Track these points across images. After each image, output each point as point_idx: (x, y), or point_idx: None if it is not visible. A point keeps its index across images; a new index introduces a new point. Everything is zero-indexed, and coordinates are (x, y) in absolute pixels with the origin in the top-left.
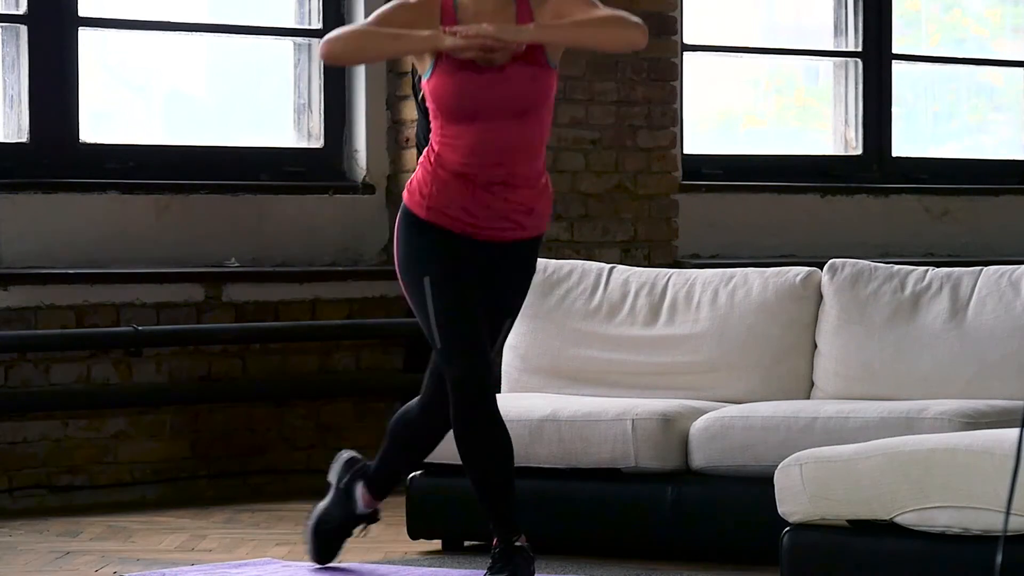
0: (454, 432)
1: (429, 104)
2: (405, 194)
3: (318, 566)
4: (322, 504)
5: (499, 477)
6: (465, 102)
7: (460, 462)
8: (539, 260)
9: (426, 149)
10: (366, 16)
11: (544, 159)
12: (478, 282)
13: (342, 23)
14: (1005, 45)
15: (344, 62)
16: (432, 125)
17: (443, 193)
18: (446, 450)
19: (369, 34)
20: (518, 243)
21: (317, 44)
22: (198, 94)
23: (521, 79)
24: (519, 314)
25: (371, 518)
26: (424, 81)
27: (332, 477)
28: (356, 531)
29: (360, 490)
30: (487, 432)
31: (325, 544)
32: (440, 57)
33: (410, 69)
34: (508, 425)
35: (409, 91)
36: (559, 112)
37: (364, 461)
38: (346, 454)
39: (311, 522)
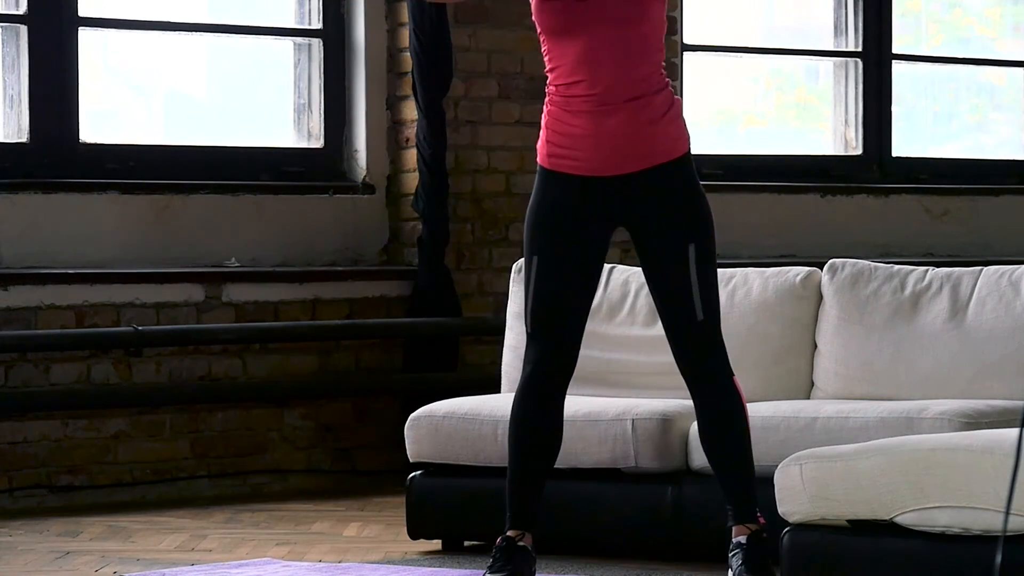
0: (512, 412)
1: (537, 29)
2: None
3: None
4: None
5: (537, 471)
6: (563, 12)
7: (459, 463)
8: None
9: (546, 99)
10: (366, 16)
11: (662, 74)
12: (627, 227)
13: (342, 23)
14: (1006, 45)
15: None
16: (544, 56)
17: (559, 127)
18: (446, 450)
19: None
20: (653, 171)
21: (317, 44)
22: (198, 94)
23: None
24: (689, 248)
25: (759, 530)
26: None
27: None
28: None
29: (735, 532)
30: (539, 425)
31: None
32: None
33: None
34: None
35: (409, 91)
36: None
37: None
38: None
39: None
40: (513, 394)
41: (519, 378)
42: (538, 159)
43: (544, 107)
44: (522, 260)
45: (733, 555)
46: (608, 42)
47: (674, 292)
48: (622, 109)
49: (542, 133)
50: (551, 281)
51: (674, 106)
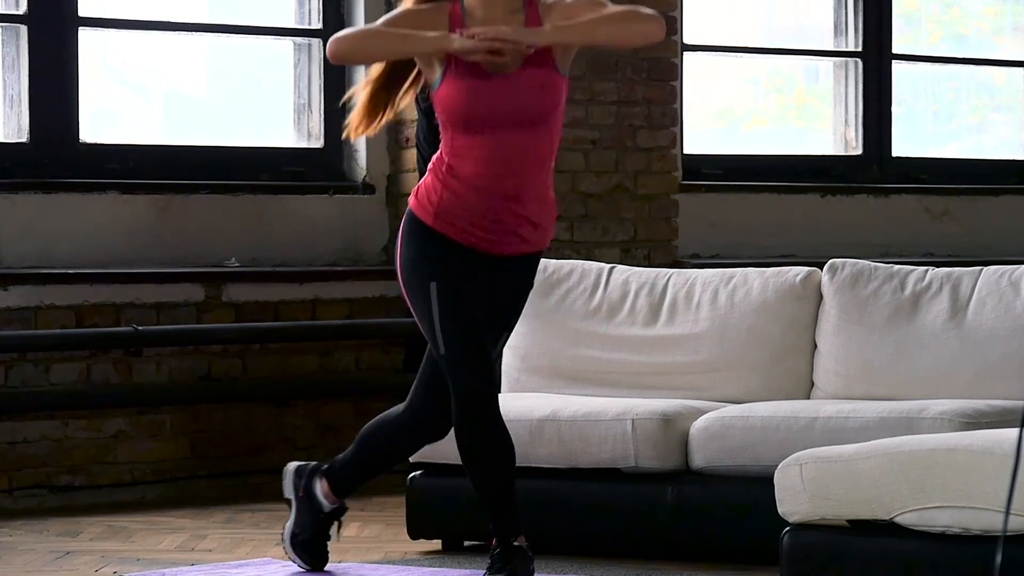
0: (457, 438)
1: (439, 115)
2: (412, 200)
3: (316, 572)
4: (289, 521)
5: (502, 481)
6: (476, 111)
7: (460, 462)
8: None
9: (435, 157)
10: (366, 16)
11: (552, 172)
12: (481, 293)
13: (342, 23)
14: (1005, 44)
15: (351, 61)
16: (443, 137)
17: (453, 204)
18: (446, 450)
19: (377, 34)
20: (521, 257)
21: (317, 44)
22: (198, 94)
23: (531, 87)
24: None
25: (339, 512)
26: (433, 92)
27: (288, 492)
28: (333, 531)
29: (321, 487)
30: (491, 438)
31: (309, 553)
32: (449, 65)
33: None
34: (508, 425)
35: None
36: None
37: (312, 463)
38: (292, 466)
39: (286, 542)
40: (514, 394)
41: (453, 403)
42: (415, 211)
43: (436, 175)
44: None
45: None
46: (515, 140)
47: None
48: (519, 202)
49: (426, 192)
50: (456, 303)
51: (553, 204)
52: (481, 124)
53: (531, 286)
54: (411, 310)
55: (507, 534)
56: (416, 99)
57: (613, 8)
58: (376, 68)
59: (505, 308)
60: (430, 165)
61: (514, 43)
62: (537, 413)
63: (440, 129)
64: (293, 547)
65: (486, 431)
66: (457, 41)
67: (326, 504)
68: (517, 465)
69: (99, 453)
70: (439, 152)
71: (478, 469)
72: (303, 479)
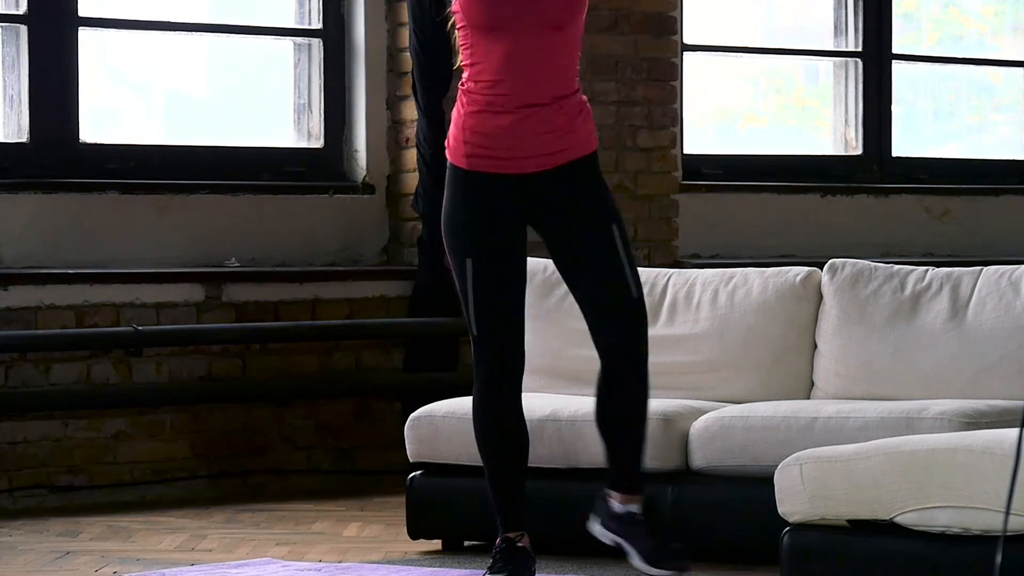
0: (474, 419)
1: (459, 24)
2: (446, 151)
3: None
4: (636, 560)
5: (505, 471)
6: (496, 7)
7: (459, 462)
8: (539, 260)
9: (458, 96)
10: (366, 16)
11: (578, 78)
12: (541, 222)
13: (342, 23)
14: (1005, 44)
15: None
16: (463, 51)
17: (478, 127)
18: (446, 450)
19: None
20: (569, 166)
21: (317, 44)
22: (198, 94)
23: None
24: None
25: (650, 502)
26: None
27: (607, 538)
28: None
29: (616, 502)
30: (507, 425)
31: (673, 550)
32: None
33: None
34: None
35: (409, 91)
36: None
37: (602, 498)
38: (594, 529)
39: (661, 568)
40: None
41: (475, 384)
42: (449, 158)
43: (457, 104)
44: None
45: (630, 522)
46: (536, 42)
47: (606, 273)
48: (543, 109)
49: (453, 132)
50: (490, 282)
51: (585, 106)
52: (501, 22)
53: (599, 182)
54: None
55: (508, 527)
56: (416, 99)
57: None
58: None
59: (585, 210)
60: (453, 108)
61: None
62: (537, 413)
63: (460, 44)
64: (663, 562)
65: (503, 417)
66: None
67: (629, 508)
68: None
69: (99, 453)
70: (460, 85)
71: (489, 453)
72: (602, 517)
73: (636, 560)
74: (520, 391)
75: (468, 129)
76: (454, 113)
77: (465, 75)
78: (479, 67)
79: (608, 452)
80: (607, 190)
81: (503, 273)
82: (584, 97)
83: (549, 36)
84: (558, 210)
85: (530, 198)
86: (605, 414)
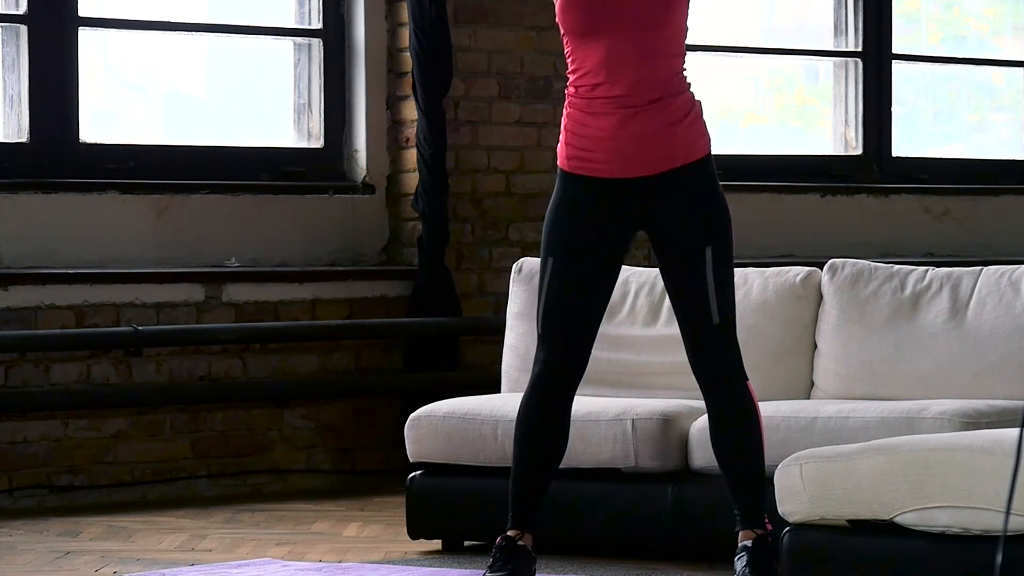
0: (519, 412)
1: (561, 31)
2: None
3: None
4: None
5: (535, 471)
6: (587, 14)
7: (459, 462)
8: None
9: (565, 101)
10: (366, 16)
11: (683, 76)
12: (647, 231)
13: (342, 23)
14: (1006, 44)
15: None
16: (568, 61)
17: (579, 130)
18: (446, 450)
19: None
20: (671, 174)
21: (317, 44)
22: (198, 94)
23: None
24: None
25: (766, 535)
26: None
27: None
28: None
29: (742, 536)
30: (544, 427)
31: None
32: None
33: (409, 70)
34: (508, 424)
35: (409, 91)
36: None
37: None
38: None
39: None
40: (514, 394)
41: (529, 378)
42: (558, 162)
43: (564, 109)
44: (522, 260)
45: (739, 558)
46: (631, 44)
47: (691, 294)
48: (643, 111)
49: (562, 135)
50: (565, 283)
51: (695, 109)
52: (594, 27)
53: (705, 196)
54: None
55: (515, 524)
56: (416, 99)
57: None
58: None
59: (686, 223)
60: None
61: None
62: None
63: (564, 50)
64: None
65: (549, 418)
66: None
67: (745, 543)
68: None
69: (99, 453)
70: (566, 85)
71: (514, 449)
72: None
73: None
74: (572, 397)
75: (570, 131)
76: (563, 116)
77: (570, 73)
78: (579, 71)
79: (727, 486)
80: (715, 201)
81: (581, 278)
82: (693, 97)
83: (645, 37)
84: (658, 221)
85: (631, 205)
86: (716, 451)
